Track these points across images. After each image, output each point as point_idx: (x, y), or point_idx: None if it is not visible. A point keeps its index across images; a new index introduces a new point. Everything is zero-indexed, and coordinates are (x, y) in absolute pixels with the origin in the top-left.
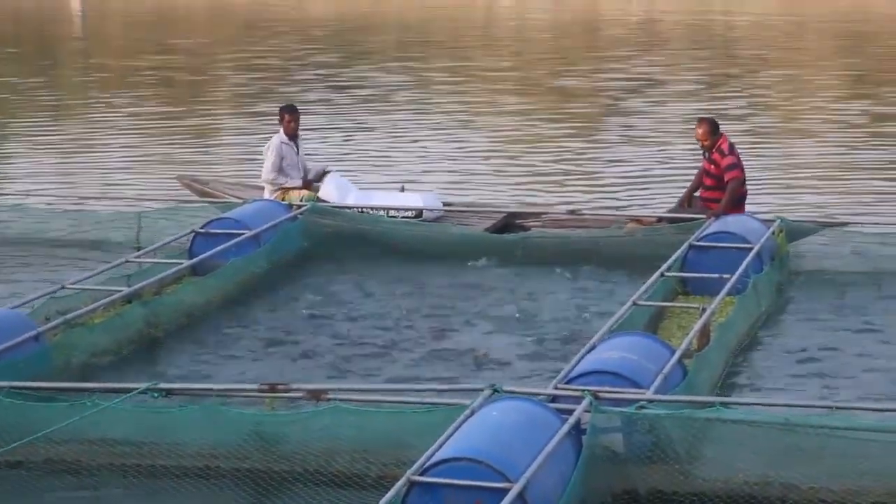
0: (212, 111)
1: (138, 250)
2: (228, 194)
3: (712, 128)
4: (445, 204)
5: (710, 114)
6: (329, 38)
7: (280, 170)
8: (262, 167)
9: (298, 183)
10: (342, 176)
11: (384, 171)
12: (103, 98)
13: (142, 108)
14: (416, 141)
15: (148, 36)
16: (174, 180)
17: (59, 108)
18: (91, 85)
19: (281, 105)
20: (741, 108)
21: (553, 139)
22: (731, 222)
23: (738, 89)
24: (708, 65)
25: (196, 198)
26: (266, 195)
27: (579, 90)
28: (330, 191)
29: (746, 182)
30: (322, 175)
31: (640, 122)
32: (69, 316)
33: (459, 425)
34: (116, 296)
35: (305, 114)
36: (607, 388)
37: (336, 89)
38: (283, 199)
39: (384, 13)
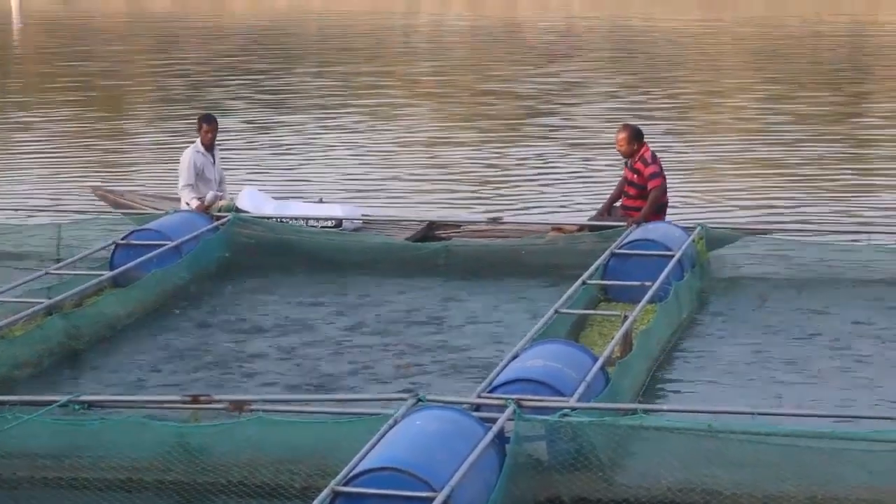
0: (130, 119)
1: (58, 262)
2: (143, 205)
3: (632, 135)
4: (364, 215)
5: (630, 119)
6: (247, 47)
7: (193, 183)
8: (178, 177)
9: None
10: (258, 187)
11: (300, 183)
12: (22, 105)
13: (60, 115)
14: (333, 151)
15: (78, 45)
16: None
17: None
18: (11, 93)
19: (199, 114)
20: (661, 112)
21: (473, 147)
22: (652, 230)
23: (658, 95)
24: (629, 70)
25: (111, 209)
26: (182, 206)
27: (499, 97)
28: (245, 203)
29: (668, 191)
30: (215, 201)
31: (561, 130)
32: None
33: (383, 435)
34: (37, 308)
35: (222, 122)
36: (530, 397)
37: (253, 98)
38: (203, 210)
39: (304, 20)
